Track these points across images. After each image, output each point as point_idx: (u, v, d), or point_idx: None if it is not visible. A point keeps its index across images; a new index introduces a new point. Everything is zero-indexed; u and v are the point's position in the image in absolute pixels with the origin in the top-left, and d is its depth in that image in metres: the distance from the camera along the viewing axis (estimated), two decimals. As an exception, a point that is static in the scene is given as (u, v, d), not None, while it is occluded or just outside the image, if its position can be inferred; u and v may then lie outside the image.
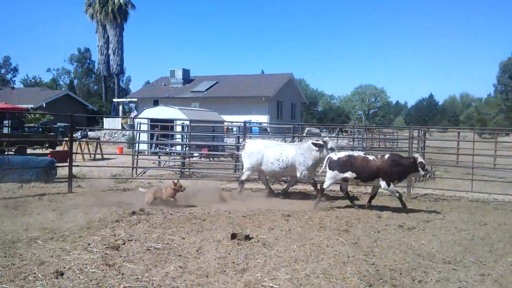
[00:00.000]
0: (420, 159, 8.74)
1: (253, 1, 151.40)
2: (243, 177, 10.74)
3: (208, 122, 19.58)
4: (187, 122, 15.33)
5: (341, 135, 30.40)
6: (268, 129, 29.72)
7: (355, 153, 9.41)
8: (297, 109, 40.62)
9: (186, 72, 39.48)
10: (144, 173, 13.76)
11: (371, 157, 9.09)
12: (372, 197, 9.45)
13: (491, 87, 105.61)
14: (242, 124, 11.60)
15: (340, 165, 9.09)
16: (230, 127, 25.25)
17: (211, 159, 18.38)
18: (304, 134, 30.56)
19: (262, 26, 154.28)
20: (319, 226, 7.51)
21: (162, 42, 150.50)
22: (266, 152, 10.29)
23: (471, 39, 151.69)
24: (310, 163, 10.10)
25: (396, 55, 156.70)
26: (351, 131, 26.51)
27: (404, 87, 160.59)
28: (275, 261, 5.51)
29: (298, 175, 10.22)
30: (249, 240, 6.42)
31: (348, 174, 9.07)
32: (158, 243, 6.11)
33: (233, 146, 16.17)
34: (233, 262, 5.43)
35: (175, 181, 8.93)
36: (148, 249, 5.82)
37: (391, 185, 8.92)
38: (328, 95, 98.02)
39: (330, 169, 9.25)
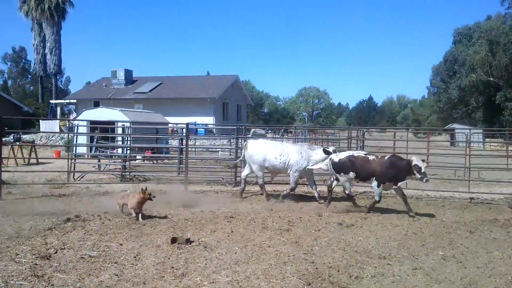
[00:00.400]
0: (415, 162, 8.39)
1: (198, 1, 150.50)
2: (260, 181, 10.58)
3: (151, 124, 19.07)
4: (128, 124, 14.84)
5: (287, 136, 30.90)
6: (214, 130, 29.60)
7: (355, 153, 9.34)
8: (243, 111, 40.75)
9: (128, 73, 38.36)
10: (82, 177, 13.16)
11: (371, 157, 9.02)
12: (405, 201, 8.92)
13: (425, 89, 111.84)
14: (185, 125, 11.36)
15: (342, 167, 9.18)
16: (175, 129, 24.85)
17: (155, 161, 17.95)
18: (250, 135, 30.73)
19: (208, 27, 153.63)
20: (261, 226, 7.54)
21: (103, 42, 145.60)
22: (268, 149, 10.39)
23: (407, 44, 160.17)
24: (304, 165, 10.20)
25: (338, 59, 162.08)
26: (295, 132, 26.97)
27: (345, 89, 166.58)
28: (215, 264, 5.45)
29: (289, 171, 10.29)
30: (190, 243, 6.32)
31: (351, 175, 9.13)
32: (93, 251, 5.84)
33: (177, 148, 15.88)
34: (172, 267, 5.31)
35: (144, 187, 7.93)
36: (82, 257, 5.55)
37: (380, 187, 8.84)
38: (274, 96, 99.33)
39: (337, 172, 9.30)
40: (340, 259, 5.73)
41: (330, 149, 10.09)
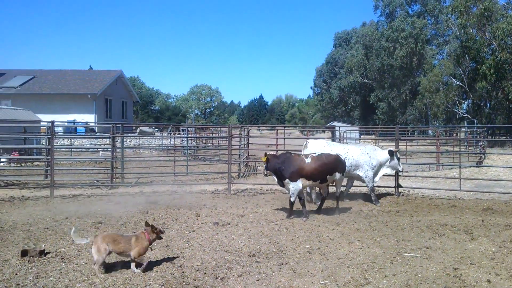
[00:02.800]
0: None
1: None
2: None
3: (10, 122, 16.92)
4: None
5: (178, 134, 30.17)
6: (96, 129, 27.80)
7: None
8: (128, 108, 38.76)
9: (-5, 65, 34.16)
10: None
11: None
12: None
13: (310, 90, 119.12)
14: (50, 123, 10.27)
15: None
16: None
17: (23, 164, 16.16)
18: (136, 134, 29.39)
19: (95, 18, 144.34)
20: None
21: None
22: (330, 150, 9.53)
23: (295, 46, 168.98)
24: (375, 163, 9.94)
25: (230, 58, 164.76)
26: (183, 130, 26.47)
27: (237, 88, 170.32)
28: (71, 277, 4.93)
29: (361, 174, 9.92)
30: (45, 255, 5.66)
31: None
32: None
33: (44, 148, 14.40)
34: (18, 284, 4.68)
35: (151, 224, 5.47)
36: None
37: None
38: (165, 94, 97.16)
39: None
40: (210, 260, 5.58)
41: (394, 149, 10.09)
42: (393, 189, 11.18)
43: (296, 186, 8.15)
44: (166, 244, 6.32)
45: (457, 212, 8.92)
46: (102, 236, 5.13)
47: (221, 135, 25.27)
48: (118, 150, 12.36)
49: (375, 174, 10.12)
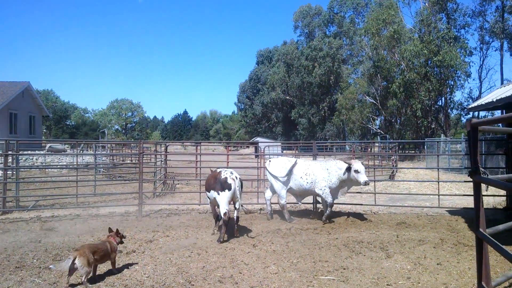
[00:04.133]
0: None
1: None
2: (282, 201, 9.69)
3: None
4: None
5: (90, 151, 28.23)
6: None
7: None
8: (37, 123, 35.63)
9: None
10: None
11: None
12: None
13: (234, 105, 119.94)
14: None
15: None
16: None
17: None
18: (45, 151, 27.06)
19: (3, 28, 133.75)
20: (15, 266, 6.04)
21: None
22: (292, 168, 9.60)
23: (219, 62, 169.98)
24: (334, 180, 9.46)
25: (152, 72, 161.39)
26: (96, 147, 24.76)
27: (161, 103, 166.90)
28: None
29: (317, 190, 9.49)
30: None
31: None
32: None
33: None
34: None
35: (116, 228, 6.17)
36: None
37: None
38: (82, 108, 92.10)
39: None
40: (103, 300, 4.80)
41: (349, 162, 9.52)
42: (311, 205, 11.04)
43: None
44: (54, 281, 5.41)
45: (373, 228, 8.89)
46: (87, 247, 5.32)
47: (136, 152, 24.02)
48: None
49: (336, 189, 9.65)
